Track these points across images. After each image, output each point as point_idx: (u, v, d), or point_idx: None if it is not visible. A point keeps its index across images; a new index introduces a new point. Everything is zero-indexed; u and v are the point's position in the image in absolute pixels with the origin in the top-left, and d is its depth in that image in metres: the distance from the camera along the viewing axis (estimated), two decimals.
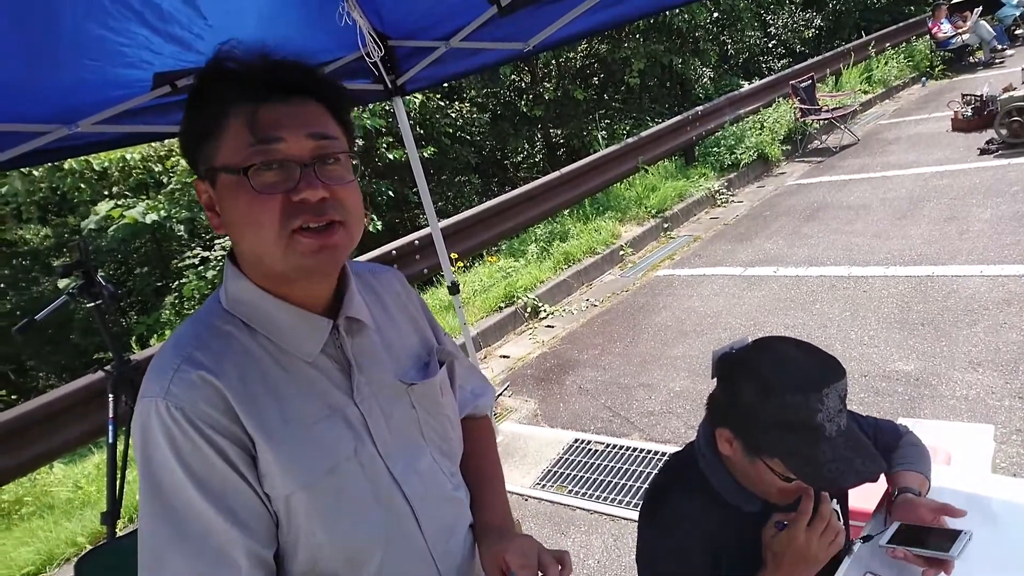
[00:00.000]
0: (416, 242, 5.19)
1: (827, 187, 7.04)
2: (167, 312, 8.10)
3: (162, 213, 7.71)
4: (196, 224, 8.74)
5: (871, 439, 1.43)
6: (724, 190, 7.67)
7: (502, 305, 5.41)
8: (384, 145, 7.94)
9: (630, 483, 3.06)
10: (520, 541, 1.01)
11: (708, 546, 1.23)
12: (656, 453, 3.24)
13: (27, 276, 10.41)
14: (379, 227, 7.43)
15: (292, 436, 0.84)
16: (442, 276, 5.87)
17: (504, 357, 4.92)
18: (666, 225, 6.98)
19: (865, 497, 1.50)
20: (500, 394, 3.24)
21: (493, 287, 5.63)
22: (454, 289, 3.41)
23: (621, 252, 6.41)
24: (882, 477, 1.46)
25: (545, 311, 5.49)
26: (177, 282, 8.22)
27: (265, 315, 0.87)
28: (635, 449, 3.33)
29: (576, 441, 3.53)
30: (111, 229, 7.93)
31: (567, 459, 3.39)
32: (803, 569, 1.16)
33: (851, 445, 1.12)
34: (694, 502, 1.26)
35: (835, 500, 1.39)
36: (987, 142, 6.68)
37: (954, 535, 1.18)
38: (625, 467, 3.19)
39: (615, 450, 3.37)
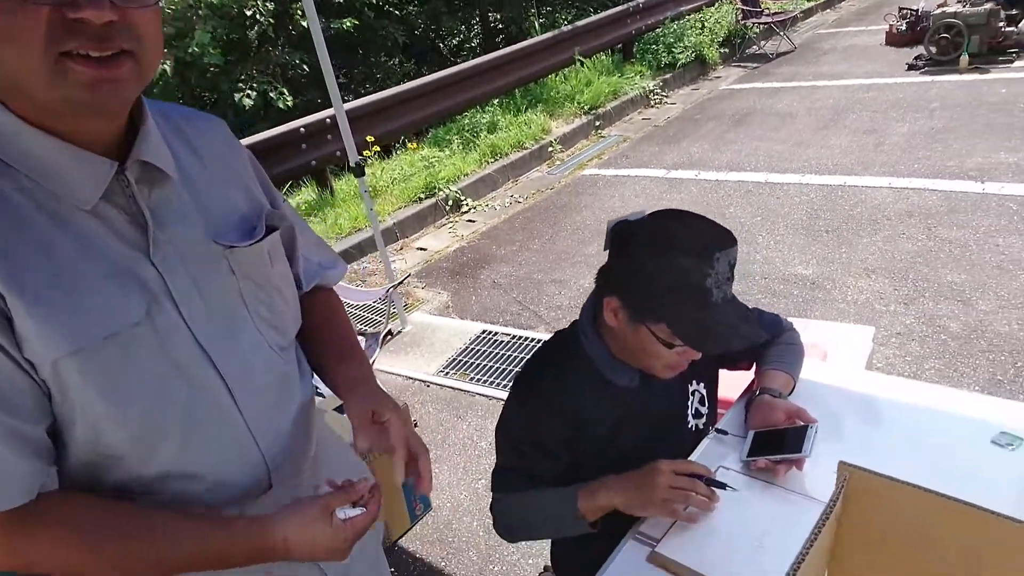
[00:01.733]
0: (328, 120, 4.85)
1: (758, 93, 6.99)
2: None
3: None
4: None
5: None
6: (659, 90, 7.51)
7: (422, 196, 5.22)
8: (300, 12, 7.25)
9: None
10: (395, 404, 0.96)
11: (572, 417, 1.22)
12: None
13: None
14: (289, 103, 6.89)
15: (58, 295, 0.71)
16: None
17: (421, 249, 4.80)
18: (598, 123, 6.82)
19: (733, 387, 1.52)
20: (402, 281, 3.15)
21: (414, 176, 5.41)
22: (358, 171, 3.22)
23: (550, 149, 6.24)
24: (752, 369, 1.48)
25: (467, 205, 5.34)
26: None
27: (25, 151, 0.71)
28: (539, 341, 3.34)
29: (483, 332, 3.52)
30: None
31: (473, 349, 3.38)
32: (637, 495, 1.13)
33: (736, 313, 1.11)
34: (567, 373, 1.25)
35: (702, 384, 1.40)
36: (915, 58, 6.73)
37: (803, 432, 1.19)
38: (527, 357, 3.22)
39: (520, 341, 3.38)
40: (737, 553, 1.07)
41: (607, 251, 1.20)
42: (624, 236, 1.16)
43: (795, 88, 6.92)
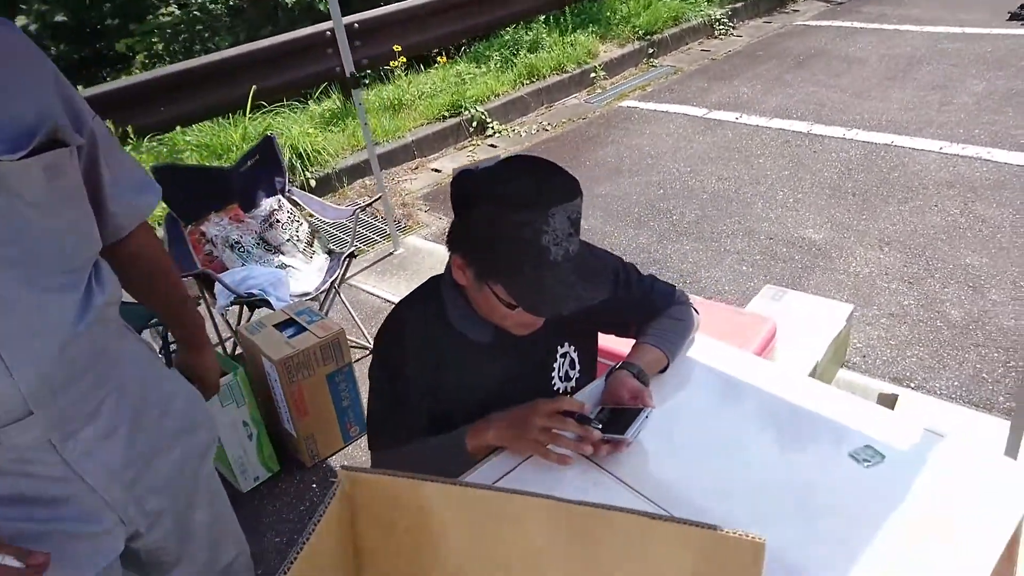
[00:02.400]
0: (356, 25, 4.72)
1: (833, 33, 6.38)
2: None
3: None
4: None
5: (638, 299, 1.34)
6: (726, 20, 6.95)
7: (446, 114, 5.09)
8: None
9: None
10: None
11: (432, 366, 1.19)
12: None
13: None
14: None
15: None
16: (383, 72, 5.48)
17: (435, 171, 4.73)
18: (651, 51, 6.40)
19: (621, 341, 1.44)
20: (370, 204, 3.10)
21: (442, 93, 5.26)
22: (353, 82, 3.12)
23: (593, 75, 5.93)
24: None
25: (492, 128, 5.18)
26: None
27: None
28: None
29: None
30: None
31: None
32: (512, 433, 1.13)
33: (579, 271, 1.04)
34: (427, 322, 1.21)
35: (574, 346, 1.33)
36: (1020, 6, 5.95)
37: (634, 416, 1.12)
38: None
39: None
40: None
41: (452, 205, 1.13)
42: (465, 188, 1.08)
43: (875, 31, 6.27)
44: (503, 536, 0.64)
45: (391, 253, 3.65)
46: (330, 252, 2.84)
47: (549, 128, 5.19)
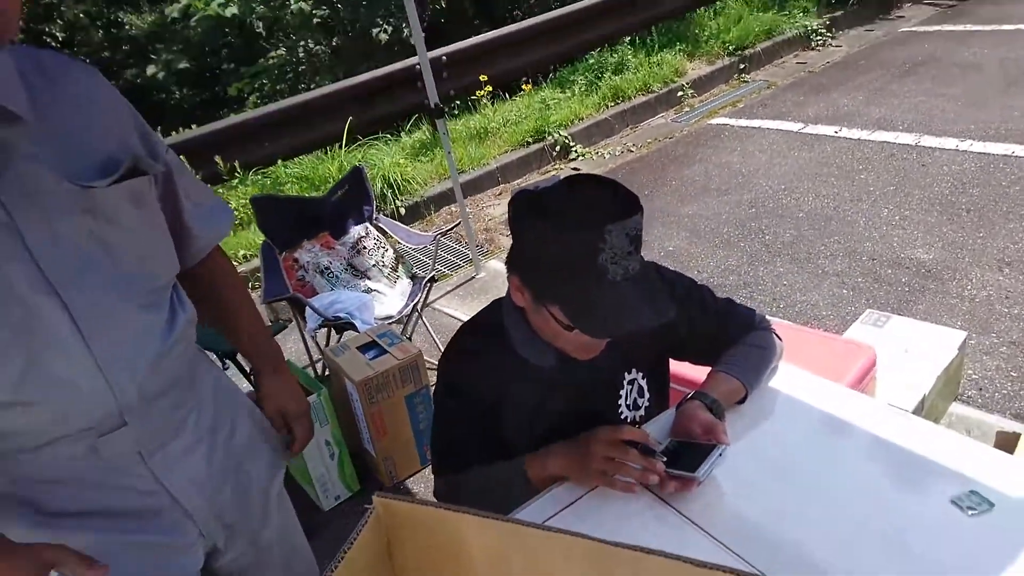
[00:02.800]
0: (443, 58, 4.88)
1: (944, 38, 5.95)
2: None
3: (241, 8, 8.13)
4: (275, 22, 8.91)
5: (713, 323, 1.27)
6: (824, 30, 6.65)
7: (530, 140, 5.14)
8: None
9: None
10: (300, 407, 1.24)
11: (494, 393, 1.18)
12: None
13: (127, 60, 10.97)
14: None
15: None
16: (470, 102, 5.61)
17: None
18: (743, 66, 6.22)
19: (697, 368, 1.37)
20: (450, 230, 3.16)
21: (526, 119, 5.33)
22: (437, 112, 3.22)
23: (680, 93, 5.82)
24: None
25: (576, 152, 5.18)
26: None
27: None
28: None
29: None
30: (193, 20, 8.75)
31: None
32: (574, 463, 1.11)
33: (641, 291, 1.00)
34: (489, 347, 1.20)
35: (642, 373, 1.28)
36: None
37: (707, 452, 1.06)
38: None
39: None
40: None
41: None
42: (522, 208, 1.07)
43: (992, 33, 5.80)
44: (539, 571, 0.61)
45: (473, 277, 3.70)
46: (413, 276, 2.92)
47: (634, 149, 5.13)
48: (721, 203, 3.95)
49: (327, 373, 2.61)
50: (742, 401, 1.25)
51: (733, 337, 1.30)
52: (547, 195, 1.03)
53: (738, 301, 1.34)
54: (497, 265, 3.80)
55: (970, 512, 1.00)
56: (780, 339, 1.33)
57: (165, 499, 1.03)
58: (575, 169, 5.00)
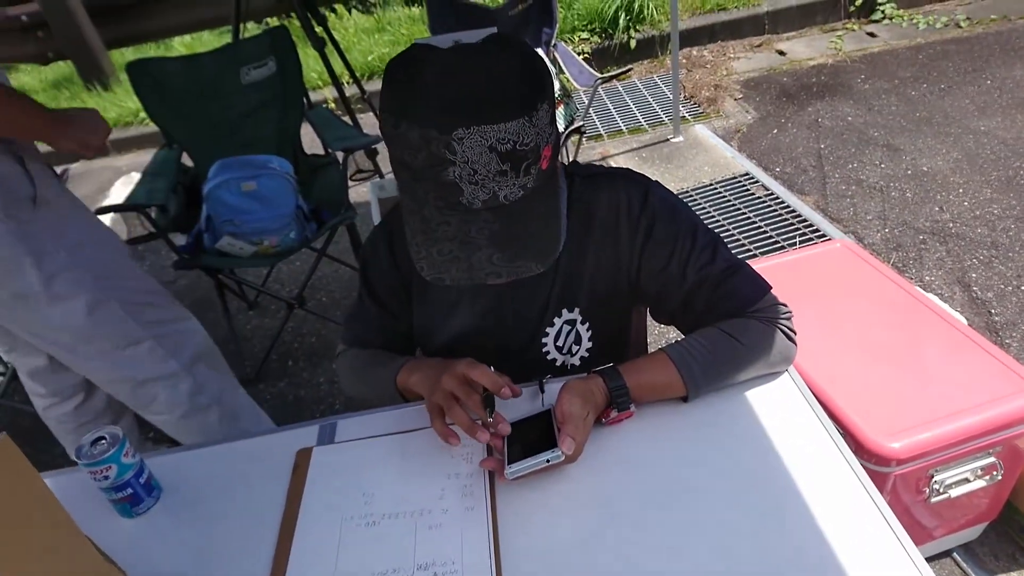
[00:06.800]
0: None
1: None
2: None
3: None
4: None
5: (694, 290, 0.91)
6: None
7: None
8: None
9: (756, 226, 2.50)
10: None
11: (407, 278, 1.01)
12: (811, 225, 2.51)
13: None
14: None
15: None
16: None
17: (780, 53, 3.90)
18: None
19: None
20: (614, 77, 2.64)
21: None
22: None
23: None
24: None
25: (883, 12, 4.00)
26: None
27: None
28: (796, 213, 2.61)
29: (744, 175, 2.88)
30: None
31: (716, 190, 2.83)
32: (424, 389, 0.90)
33: (505, 233, 0.72)
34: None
35: (585, 320, 0.98)
36: None
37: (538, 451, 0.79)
38: (754, 217, 2.57)
39: (771, 204, 2.68)
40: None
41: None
42: (397, 69, 0.73)
43: None
44: None
45: (667, 139, 3.21)
46: (571, 122, 2.60)
47: (962, 24, 3.81)
48: None
49: None
50: (685, 400, 0.89)
51: (720, 313, 0.92)
52: (428, 58, 0.71)
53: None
54: (702, 132, 3.24)
55: None
56: (792, 341, 0.92)
57: None
58: (870, 34, 3.90)
